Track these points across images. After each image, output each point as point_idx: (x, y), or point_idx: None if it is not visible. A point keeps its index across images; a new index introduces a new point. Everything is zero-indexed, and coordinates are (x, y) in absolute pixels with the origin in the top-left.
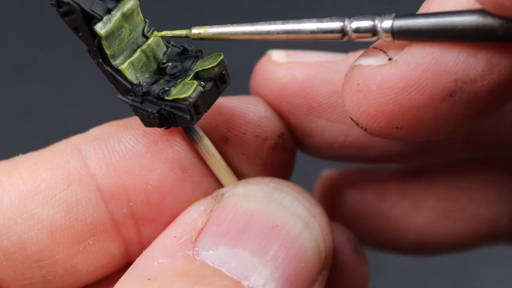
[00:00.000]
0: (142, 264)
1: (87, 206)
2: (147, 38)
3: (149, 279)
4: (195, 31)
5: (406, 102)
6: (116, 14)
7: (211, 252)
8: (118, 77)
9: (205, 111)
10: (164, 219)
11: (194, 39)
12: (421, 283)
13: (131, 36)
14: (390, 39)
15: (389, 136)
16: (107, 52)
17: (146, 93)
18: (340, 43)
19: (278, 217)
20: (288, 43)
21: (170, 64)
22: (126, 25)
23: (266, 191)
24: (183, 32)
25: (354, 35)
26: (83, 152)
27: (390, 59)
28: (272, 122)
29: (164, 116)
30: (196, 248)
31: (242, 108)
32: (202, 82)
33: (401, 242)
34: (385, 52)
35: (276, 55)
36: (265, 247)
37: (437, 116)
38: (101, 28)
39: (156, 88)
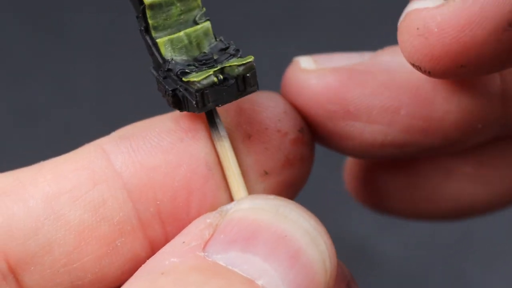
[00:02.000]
0: (152, 264)
1: (113, 206)
2: (197, 24)
3: (162, 273)
4: None
5: (469, 39)
6: None
7: (221, 255)
8: (154, 49)
9: (215, 105)
10: (190, 218)
11: None
12: (420, 284)
13: (181, 16)
14: None
15: (453, 76)
16: (150, 22)
17: (170, 70)
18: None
19: (286, 228)
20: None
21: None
22: (178, 4)
23: (272, 205)
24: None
25: None
26: (107, 151)
27: None
28: (292, 116)
29: (179, 97)
30: (206, 253)
31: (262, 104)
32: (220, 76)
33: (436, 210)
34: None
35: (304, 62)
36: (274, 254)
37: (500, 47)
38: None
39: (178, 68)
